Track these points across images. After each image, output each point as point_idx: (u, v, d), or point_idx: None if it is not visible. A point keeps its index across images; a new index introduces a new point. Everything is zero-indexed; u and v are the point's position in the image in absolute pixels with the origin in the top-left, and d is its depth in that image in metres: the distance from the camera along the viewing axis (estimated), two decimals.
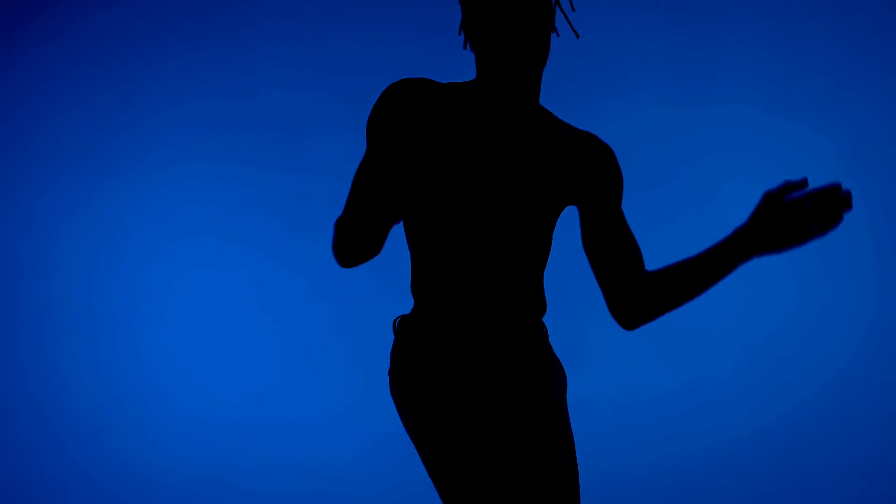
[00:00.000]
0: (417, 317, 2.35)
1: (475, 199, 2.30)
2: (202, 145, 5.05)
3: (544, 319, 2.43)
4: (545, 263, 2.40)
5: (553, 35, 2.37)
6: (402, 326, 2.37)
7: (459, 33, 2.39)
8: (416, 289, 2.37)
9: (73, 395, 4.98)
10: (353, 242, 2.22)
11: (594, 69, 5.04)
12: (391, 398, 2.35)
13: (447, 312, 2.31)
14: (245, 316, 5.05)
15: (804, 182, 2.17)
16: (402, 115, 2.26)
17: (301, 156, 5.06)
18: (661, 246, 4.83)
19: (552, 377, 2.38)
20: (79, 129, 5.08)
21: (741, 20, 5.04)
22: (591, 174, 2.39)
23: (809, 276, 5.03)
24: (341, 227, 2.23)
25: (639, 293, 2.35)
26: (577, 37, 2.43)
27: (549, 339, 2.44)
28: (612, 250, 2.36)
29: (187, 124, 5.06)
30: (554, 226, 2.41)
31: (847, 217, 2.17)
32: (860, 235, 4.99)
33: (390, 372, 2.35)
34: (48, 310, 5.04)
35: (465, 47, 2.38)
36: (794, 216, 2.17)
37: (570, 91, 4.86)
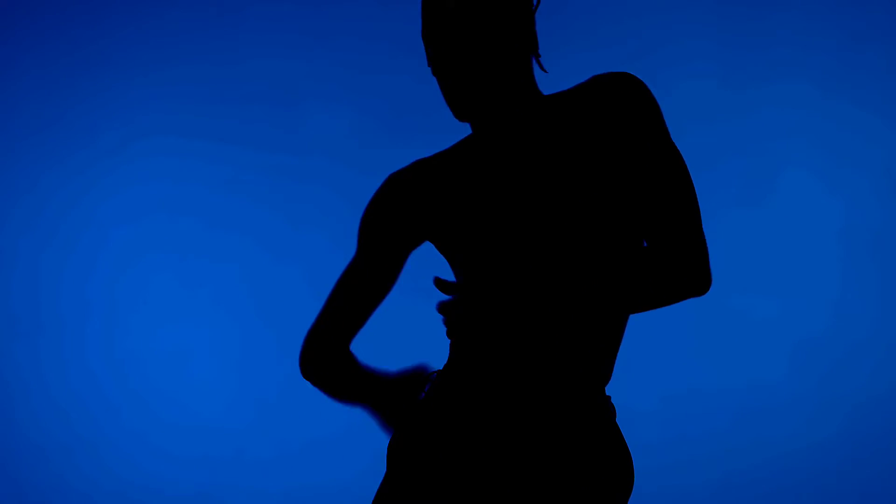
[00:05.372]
0: (448, 373, 2.09)
1: (515, 236, 2.01)
2: (175, 117, 4.85)
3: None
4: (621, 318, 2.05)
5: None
6: (432, 384, 2.14)
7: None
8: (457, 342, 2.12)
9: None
10: (331, 357, 2.18)
11: (626, 38, 4.83)
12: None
13: (481, 369, 2.03)
14: (232, 312, 4.89)
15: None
16: (403, 206, 2.12)
17: (294, 133, 4.88)
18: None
19: (604, 477, 1.99)
20: (27, 99, 4.86)
21: None
22: (611, 119, 1.98)
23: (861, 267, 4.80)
24: (316, 340, 2.17)
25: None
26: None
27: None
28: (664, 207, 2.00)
29: (157, 94, 4.85)
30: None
31: None
32: None
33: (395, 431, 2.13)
34: None
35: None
36: None
37: (596, 61, 4.62)
